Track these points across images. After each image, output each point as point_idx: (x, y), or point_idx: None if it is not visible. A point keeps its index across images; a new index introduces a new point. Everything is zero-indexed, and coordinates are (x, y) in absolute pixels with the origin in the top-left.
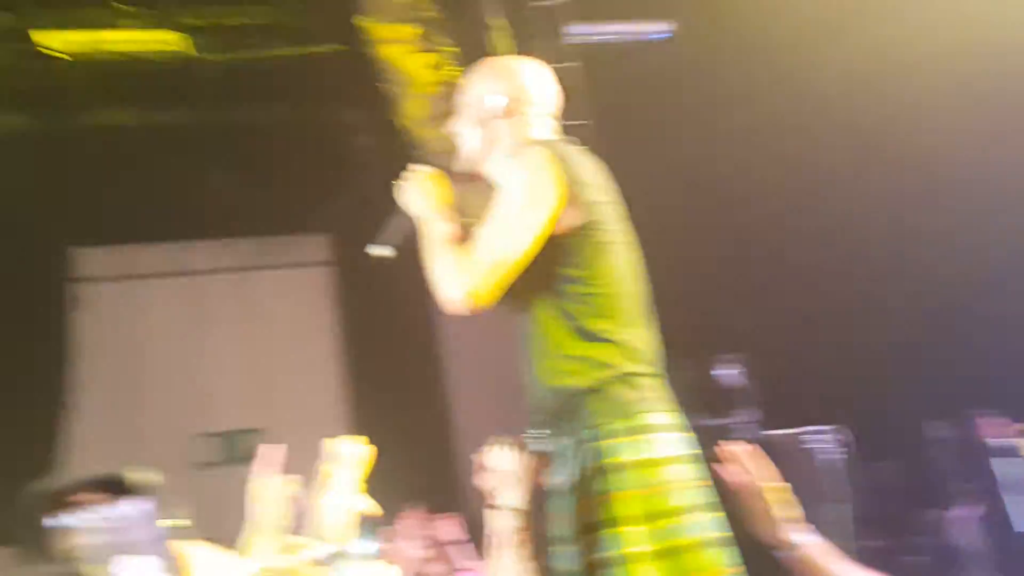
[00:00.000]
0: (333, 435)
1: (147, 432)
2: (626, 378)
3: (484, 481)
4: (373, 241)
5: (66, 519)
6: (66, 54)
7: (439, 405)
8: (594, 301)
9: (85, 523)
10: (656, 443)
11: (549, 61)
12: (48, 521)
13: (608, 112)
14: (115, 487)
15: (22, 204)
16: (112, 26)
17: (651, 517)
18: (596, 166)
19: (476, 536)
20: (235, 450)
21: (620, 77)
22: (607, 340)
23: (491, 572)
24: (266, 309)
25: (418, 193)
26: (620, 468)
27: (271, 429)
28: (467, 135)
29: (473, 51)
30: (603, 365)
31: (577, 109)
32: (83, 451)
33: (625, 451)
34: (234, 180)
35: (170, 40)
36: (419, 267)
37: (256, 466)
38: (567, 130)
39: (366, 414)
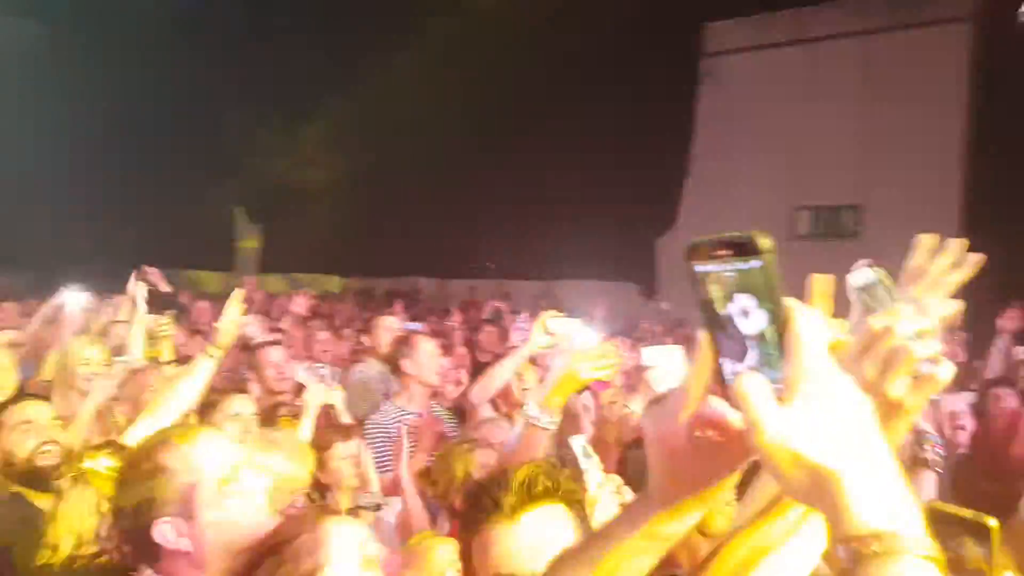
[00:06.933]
0: (938, 224)
1: (750, 200)
2: None
3: None
4: None
5: (705, 267)
6: None
7: None
8: None
9: (715, 270)
10: None
11: None
12: (696, 267)
13: None
14: (741, 247)
15: None
16: None
17: None
18: None
19: None
20: (831, 225)
21: None
22: None
23: None
24: (887, 76)
25: None
26: None
27: (870, 207)
28: None
29: None
30: None
31: None
32: (692, 213)
33: None
34: None
35: None
36: None
37: None
38: None
39: (985, 205)
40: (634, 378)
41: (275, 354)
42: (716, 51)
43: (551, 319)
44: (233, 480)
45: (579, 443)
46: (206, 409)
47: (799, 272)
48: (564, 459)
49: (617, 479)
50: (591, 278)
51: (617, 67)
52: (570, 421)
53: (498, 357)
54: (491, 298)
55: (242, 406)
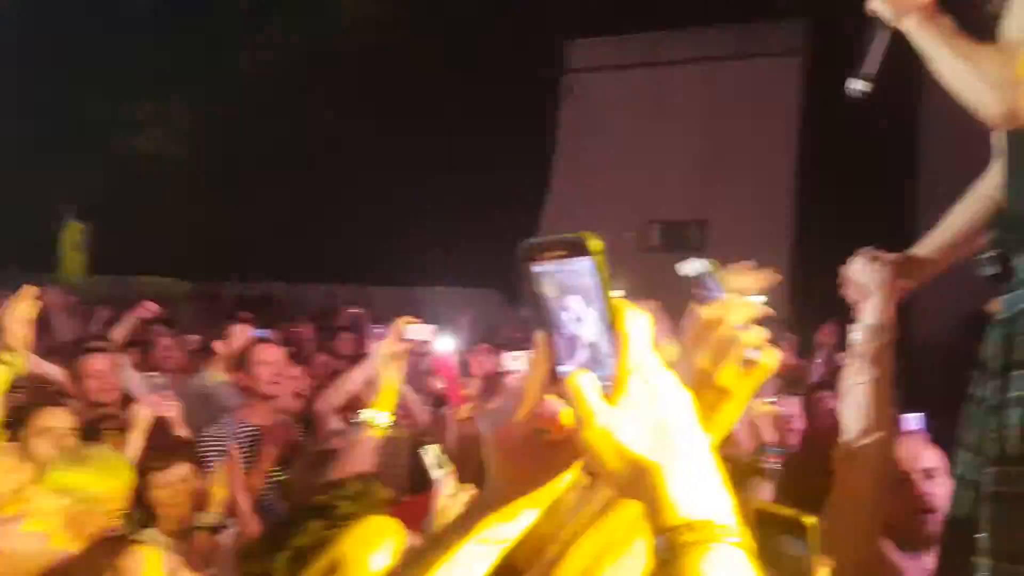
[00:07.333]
0: (773, 239)
1: (607, 213)
2: None
3: (848, 294)
4: (852, 74)
5: (540, 268)
6: None
7: (906, 214)
8: None
9: (549, 271)
10: None
11: None
12: (531, 268)
13: None
14: (572, 247)
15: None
16: None
17: None
18: None
19: None
20: (677, 239)
21: None
22: None
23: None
24: (727, 101)
25: None
26: None
27: (714, 222)
28: None
29: None
30: None
31: None
32: (552, 224)
33: None
34: None
35: None
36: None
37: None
38: None
39: (815, 215)
40: (494, 384)
41: (98, 362)
42: (576, 68)
43: (405, 326)
44: (18, 504)
45: (432, 453)
46: (14, 424)
47: (652, 280)
48: (418, 470)
49: (473, 489)
50: (453, 284)
51: (482, 75)
52: (430, 433)
53: (353, 365)
54: (350, 304)
55: (55, 419)
